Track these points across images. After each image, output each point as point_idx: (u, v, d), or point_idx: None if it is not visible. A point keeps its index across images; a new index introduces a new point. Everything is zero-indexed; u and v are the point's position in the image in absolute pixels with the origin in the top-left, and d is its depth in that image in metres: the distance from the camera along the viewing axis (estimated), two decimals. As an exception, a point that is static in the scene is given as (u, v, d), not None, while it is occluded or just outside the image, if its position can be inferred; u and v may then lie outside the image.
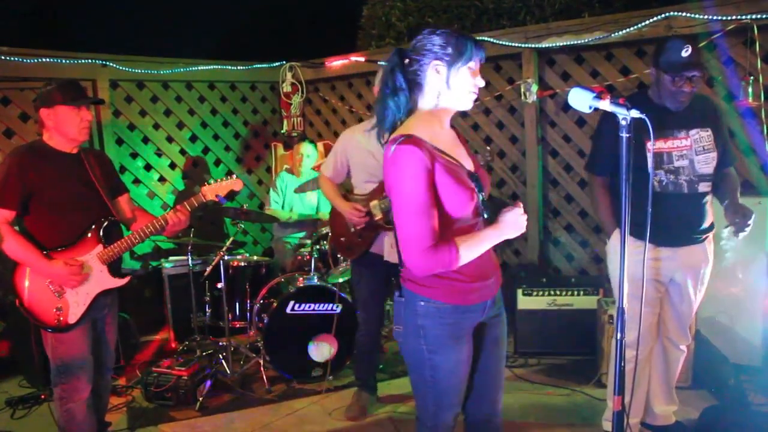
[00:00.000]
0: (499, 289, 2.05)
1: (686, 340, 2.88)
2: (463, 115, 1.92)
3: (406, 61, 1.85)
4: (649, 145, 2.56)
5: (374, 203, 3.10)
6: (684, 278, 2.75)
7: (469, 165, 1.92)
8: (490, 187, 2.01)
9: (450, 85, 1.82)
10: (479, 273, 1.89)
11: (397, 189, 1.75)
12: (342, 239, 3.29)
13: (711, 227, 2.76)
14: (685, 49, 2.52)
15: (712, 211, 2.76)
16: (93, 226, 2.65)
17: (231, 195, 2.93)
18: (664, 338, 2.88)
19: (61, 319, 2.57)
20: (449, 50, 1.80)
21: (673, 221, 2.63)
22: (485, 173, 1.99)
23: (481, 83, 1.88)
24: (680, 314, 2.81)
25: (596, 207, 2.92)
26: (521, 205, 1.86)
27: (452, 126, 1.99)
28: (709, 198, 2.71)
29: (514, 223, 1.83)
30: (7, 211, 2.51)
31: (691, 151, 2.62)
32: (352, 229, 3.19)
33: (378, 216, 3.10)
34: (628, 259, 2.79)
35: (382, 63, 5.01)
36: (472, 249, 1.80)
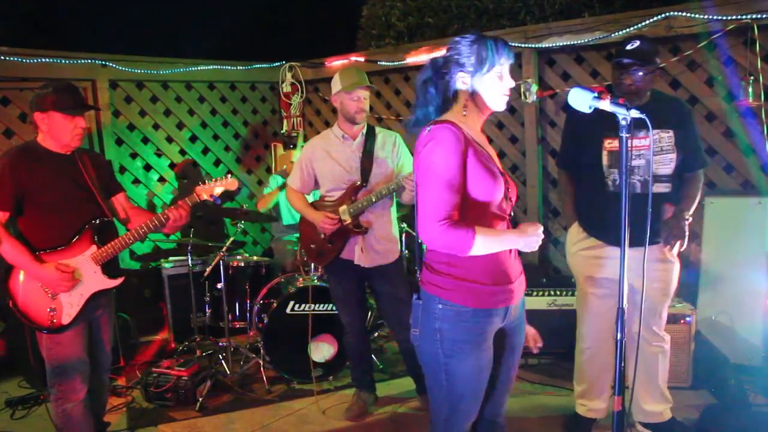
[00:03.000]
0: (523, 297, 2.03)
1: (656, 338, 2.86)
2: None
3: (441, 72, 1.89)
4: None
5: (343, 208, 3.12)
6: (639, 279, 2.76)
7: (498, 164, 1.94)
8: (516, 196, 2.00)
9: (476, 95, 1.87)
10: (500, 277, 1.87)
11: (429, 161, 1.78)
12: (312, 246, 3.29)
13: None
14: (631, 44, 2.62)
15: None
16: (87, 227, 2.64)
17: (228, 196, 2.91)
18: (639, 337, 2.89)
19: (55, 320, 2.56)
20: (472, 60, 1.83)
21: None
22: (513, 184, 1.99)
23: (511, 84, 1.89)
24: (643, 312, 2.80)
25: (560, 198, 3.08)
26: (542, 227, 1.84)
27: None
28: (670, 200, 2.71)
29: (532, 237, 1.80)
30: (0, 213, 2.51)
31: (649, 151, 2.64)
32: (322, 236, 3.20)
33: (348, 220, 3.11)
34: (583, 256, 2.85)
35: (383, 63, 5.02)
36: (489, 241, 1.77)
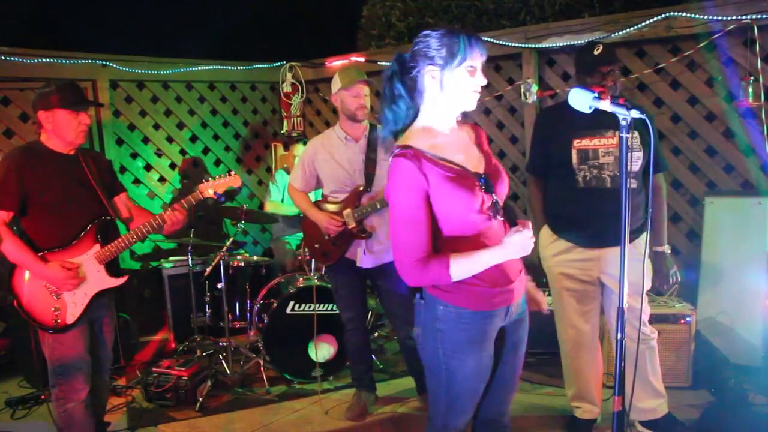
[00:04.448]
0: (524, 294, 2.02)
1: (635, 332, 2.82)
2: (462, 115, 1.92)
3: (408, 66, 1.83)
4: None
5: (347, 212, 3.10)
6: (612, 279, 2.80)
7: (478, 166, 1.87)
8: (507, 186, 1.94)
9: (445, 89, 1.79)
10: (500, 278, 1.85)
11: (391, 201, 1.78)
12: (316, 246, 3.29)
13: (640, 229, 2.80)
14: (596, 48, 2.71)
15: (642, 212, 2.79)
16: (90, 226, 2.64)
17: (230, 194, 2.92)
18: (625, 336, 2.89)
19: (59, 320, 2.56)
20: (442, 53, 1.76)
21: (597, 218, 2.72)
22: (501, 172, 1.92)
23: (483, 81, 1.82)
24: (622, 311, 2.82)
25: (529, 203, 3.11)
26: (530, 226, 1.79)
27: (475, 123, 2.00)
28: (638, 197, 2.76)
29: (520, 245, 1.77)
30: (4, 212, 2.51)
31: (617, 149, 2.69)
32: (326, 237, 3.20)
33: (352, 224, 3.10)
34: (556, 260, 2.87)
35: (383, 63, 5.02)
36: (465, 266, 1.76)
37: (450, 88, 1.79)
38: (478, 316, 1.84)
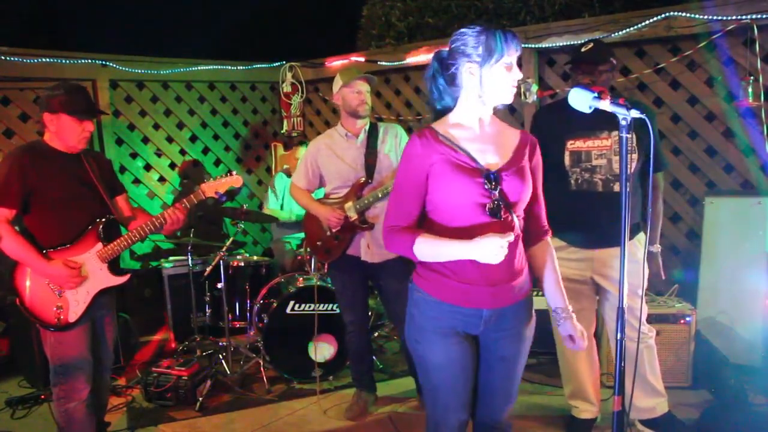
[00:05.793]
0: (522, 306, 1.93)
1: (634, 332, 2.80)
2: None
3: (446, 63, 1.89)
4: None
5: (349, 205, 3.13)
6: (606, 280, 2.81)
7: (492, 163, 1.85)
8: (525, 195, 1.90)
9: (484, 85, 1.83)
10: (475, 277, 1.82)
11: (397, 171, 1.94)
12: (318, 243, 3.30)
13: (635, 230, 2.82)
14: (584, 46, 2.76)
15: (637, 214, 2.81)
16: (92, 225, 2.65)
17: (231, 193, 2.92)
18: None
19: (62, 317, 2.56)
20: (480, 50, 1.81)
21: (589, 221, 2.73)
22: (522, 178, 1.88)
23: (519, 76, 1.88)
24: (614, 311, 2.82)
25: None
26: (512, 236, 1.73)
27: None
28: (632, 199, 2.73)
29: (488, 249, 1.69)
30: (7, 210, 2.51)
31: (611, 151, 2.70)
32: (329, 232, 3.21)
33: (353, 217, 3.12)
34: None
35: (383, 63, 5.02)
36: (429, 248, 1.82)
37: (488, 83, 1.84)
38: (442, 308, 1.88)
